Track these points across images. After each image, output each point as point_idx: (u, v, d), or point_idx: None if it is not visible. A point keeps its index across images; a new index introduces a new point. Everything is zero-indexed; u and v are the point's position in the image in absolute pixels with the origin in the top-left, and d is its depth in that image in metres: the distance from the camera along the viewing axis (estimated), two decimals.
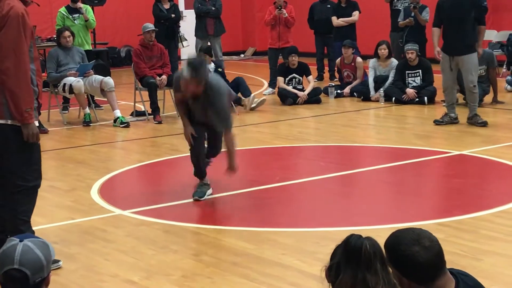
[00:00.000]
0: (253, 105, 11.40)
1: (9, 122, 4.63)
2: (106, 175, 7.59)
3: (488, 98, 11.12)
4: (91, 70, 10.73)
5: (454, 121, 9.63)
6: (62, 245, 5.42)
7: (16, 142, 4.64)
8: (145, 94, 10.87)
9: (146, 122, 10.76)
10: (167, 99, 11.39)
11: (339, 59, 12.93)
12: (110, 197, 6.82)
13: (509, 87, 12.48)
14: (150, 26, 11.13)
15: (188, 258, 5.18)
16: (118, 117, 10.41)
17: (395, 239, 2.75)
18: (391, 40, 13.04)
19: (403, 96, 11.45)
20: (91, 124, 10.53)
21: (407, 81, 11.61)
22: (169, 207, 6.46)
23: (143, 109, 11.08)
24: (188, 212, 6.38)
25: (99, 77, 10.64)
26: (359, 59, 12.59)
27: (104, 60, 12.93)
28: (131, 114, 11.07)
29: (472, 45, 9.26)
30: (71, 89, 10.44)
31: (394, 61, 12.09)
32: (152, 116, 10.76)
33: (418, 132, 9.45)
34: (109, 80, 10.64)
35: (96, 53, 12.74)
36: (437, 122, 9.66)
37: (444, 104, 9.90)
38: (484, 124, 9.37)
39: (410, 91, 11.39)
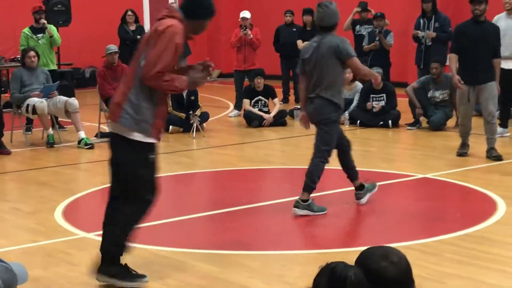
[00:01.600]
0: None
1: None
2: (70, 197, 7.52)
3: (451, 122, 11.24)
4: (55, 91, 10.65)
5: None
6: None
7: None
8: None
9: None
10: None
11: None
12: (74, 219, 6.75)
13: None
14: (113, 47, 11.09)
15: (154, 281, 5.13)
16: (82, 139, 10.33)
17: (364, 254, 2.80)
18: None
19: (367, 107, 11.52)
20: (54, 146, 10.43)
21: (371, 105, 11.70)
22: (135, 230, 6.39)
23: (107, 131, 11.00)
24: (153, 234, 6.32)
25: (64, 98, 10.56)
26: None
27: (68, 80, 12.86)
28: (96, 136, 11.00)
29: (493, 74, 8.82)
30: (34, 110, 10.35)
31: (359, 85, 12.19)
32: None
33: (383, 155, 9.51)
34: (73, 101, 10.57)
35: (60, 74, 12.67)
36: (463, 154, 9.08)
37: (461, 136, 9.21)
38: (498, 158, 8.88)
39: (376, 107, 11.50)
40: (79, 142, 10.35)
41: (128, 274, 5.06)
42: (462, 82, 8.74)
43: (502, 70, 9.98)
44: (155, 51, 4.73)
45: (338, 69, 6.74)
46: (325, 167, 6.80)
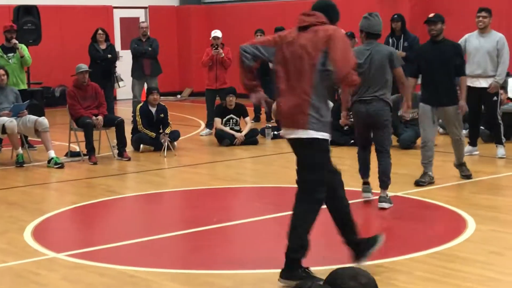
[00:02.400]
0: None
1: None
2: (39, 217, 7.45)
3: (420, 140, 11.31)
4: (25, 110, 10.58)
5: (432, 180, 8.72)
6: None
7: None
8: (80, 134, 10.76)
9: (81, 162, 10.63)
10: (102, 140, 11.29)
11: (274, 105, 12.97)
12: (44, 239, 6.68)
13: (441, 130, 12.74)
14: (84, 66, 11.05)
15: None
16: (52, 158, 10.26)
17: (334, 275, 2.82)
18: None
19: (341, 123, 11.54)
20: (24, 165, 10.35)
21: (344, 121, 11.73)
22: (105, 250, 6.36)
23: (78, 150, 10.94)
24: (124, 254, 6.29)
25: (33, 117, 10.49)
26: None
27: (38, 100, 12.77)
28: (66, 155, 10.93)
29: (455, 97, 8.55)
30: (3, 129, 10.26)
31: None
32: (87, 156, 10.63)
33: (354, 173, 9.53)
34: (43, 120, 10.50)
35: (30, 93, 12.57)
36: (420, 183, 8.60)
37: (422, 162, 8.79)
38: (468, 177, 8.85)
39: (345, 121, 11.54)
40: (49, 161, 10.28)
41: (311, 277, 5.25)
42: (410, 110, 8.31)
43: (473, 88, 10.10)
44: (339, 53, 5.14)
45: (390, 73, 7.60)
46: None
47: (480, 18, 10.23)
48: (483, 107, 10.56)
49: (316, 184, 5.43)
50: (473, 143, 10.58)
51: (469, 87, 10.03)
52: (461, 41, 10.17)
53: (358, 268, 2.85)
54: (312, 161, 5.45)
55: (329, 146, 5.53)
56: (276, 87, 5.57)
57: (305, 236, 5.36)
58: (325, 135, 5.42)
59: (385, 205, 7.60)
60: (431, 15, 8.66)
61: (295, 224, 5.39)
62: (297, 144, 5.47)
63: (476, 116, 10.50)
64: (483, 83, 10.18)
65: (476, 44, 10.17)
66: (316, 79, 5.26)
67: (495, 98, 10.21)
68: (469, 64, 10.09)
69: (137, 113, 11.53)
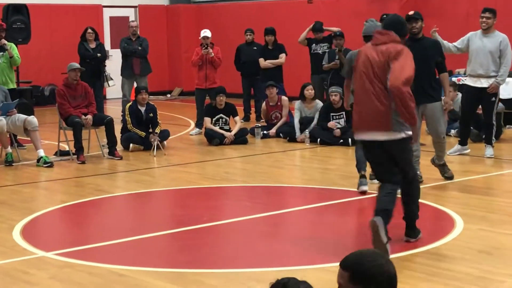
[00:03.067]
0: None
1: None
2: (28, 216, 7.44)
3: None
4: (14, 109, 10.55)
5: (420, 180, 8.38)
6: None
7: None
8: (69, 133, 10.74)
9: (70, 162, 10.62)
10: (92, 139, 11.28)
11: (264, 104, 13.03)
12: (33, 238, 6.68)
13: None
14: (76, 65, 11.04)
15: None
16: (41, 157, 10.24)
17: (357, 255, 2.80)
18: (312, 82, 13.26)
19: (330, 126, 11.58)
20: (13, 164, 10.32)
21: (334, 125, 11.79)
22: (94, 249, 6.36)
23: (67, 149, 10.93)
24: (113, 253, 6.29)
25: (23, 116, 10.47)
26: (284, 98, 12.82)
27: (27, 98, 12.75)
28: (55, 154, 10.91)
29: (438, 93, 8.50)
30: None
31: (319, 103, 12.29)
32: (76, 156, 10.62)
33: (343, 173, 9.57)
34: (32, 119, 10.48)
35: (19, 92, 12.54)
36: None
37: None
38: (450, 178, 8.84)
39: (336, 131, 11.58)
40: (38, 160, 10.26)
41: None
42: None
43: (474, 88, 10.11)
44: (397, 66, 5.90)
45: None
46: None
47: (484, 19, 10.17)
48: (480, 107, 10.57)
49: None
50: (463, 142, 10.57)
51: (469, 87, 10.07)
52: (463, 39, 10.17)
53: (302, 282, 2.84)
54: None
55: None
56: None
57: (416, 208, 6.54)
58: (408, 133, 6.17)
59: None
60: (411, 12, 8.66)
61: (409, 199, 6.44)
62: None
63: (470, 116, 10.50)
64: (484, 83, 10.15)
65: (479, 44, 10.14)
66: (389, 88, 5.99)
67: (493, 98, 10.21)
68: (471, 63, 10.12)
69: (127, 112, 11.52)
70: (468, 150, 10.59)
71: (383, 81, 5.98)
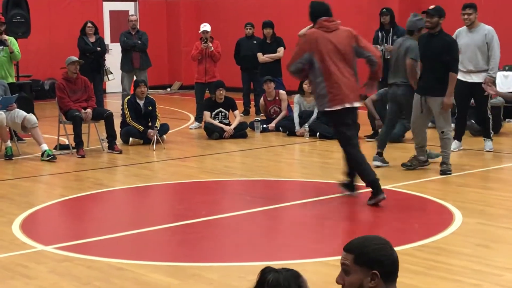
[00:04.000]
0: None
1: None
2: (28, 210, 7.45)
3: (409, 134, 11.35)
4: (14, 104, 10.54)
5: (423, 164, 9.08)
6: None
7: None
8: (69, 127, 10.74)
9: (70, 155, 10.62)
10: (92, 133, 11.28)
11: (261, 99, 13.03)
12: (32, 232, 6.68)
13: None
14: (75, 58, 11.02)
15: None
16: (45, 151, 10.22)
17: (361, 238, 2.86)
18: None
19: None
20: (13, 158, 10.33)
21: None
22: (93, 243, 6.37)
23: (67, 143, 10.93)
24: (111, 247, 6.30)
25: (22, 114, 10.42)
26: (282, 92, 12.82)
27: (27, 92, 12.74)
28: (55, 148, 10.91)
29: (444, 88, 8.59)
30: None
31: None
32: (76, 149, 10.62)
33: (342, 166, 9.57)
34: (31, 117, 10.44)
35: (19, 86, 12.54)
36: (405, 167, 9.05)
37: (415, 147, 9.14)
38: (444, 172, 8.81)
39: None
40: (42, 154, 10.23)
41: None
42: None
43: (464, 83, 10.10)
44: (366, 42, 7.67)
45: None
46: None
47: (466, 16, 10.20)
48: (473, 102, 10.58)
49: None
50: (458, 138, 10.50)
51: (460, 81, 10.04)
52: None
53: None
54: None
55: None
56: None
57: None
58: None
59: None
60: (431, 7, 8.83)
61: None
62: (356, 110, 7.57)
63: (464, 111, 10.50)
64: (474, 78, 10.16)
65: (466, 40, 10.17)
66: (354, 64, 7.50)
67: (486, 92, 10.20)
68: (461, 59, 10.12)
69: (125, 106, 11.51)
70: (461, 148, 10.54)
71: (352, 61, 7.47)
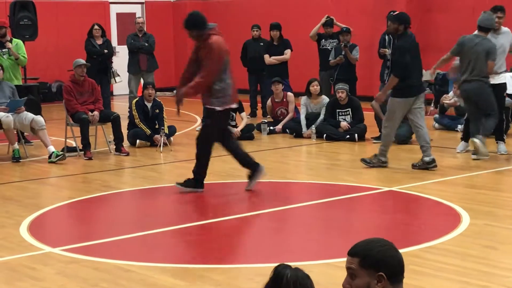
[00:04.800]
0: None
1: None
2: (35, 212, 7.46)
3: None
4: (22, 107, 10.56)
5: (382, 164, 9.36)
6: None
7: None
8: (77, 129, 10.76)
9: (77, 158, 10.64)
10: (99, 135, 11.30)
11: (269, 101, 13.03)
12: (39, 234, 6.70)
13: (436, 125, 12.77)
14: (82, 61, 11.04)
15: None
16: (53, 152, 10.23)
17: (365, 242, 2.86)
18: (320, 79, 13.25)
19: (338, 129, 11.63)
20: (20, 160, 10.35)
21: (338, 119, 11.81)
22: (100, 244, 6.38)
23: (74, 145, 10.95)
24: (118, 249, 6.31)
25: (30, 116, 10.45)
26: (290, 94, 12.81)
27: (34, 95, 12.77)
28: (62, 150, 10.92)
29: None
30: (0, 124, 10.26)
31: (325, 99, 12.28)
32: (83, 152, 10.64)
33: (349, 168, 9.57)
34: (39, 118, 10.47)
35: (26, 88, 12.57)
36: (364, 163, 9.40)
37: (375, 142, 9.66)
38: (419, 166, 9.16)
39: (343, 124, 11.61)
40: (50, 156, 10.26)
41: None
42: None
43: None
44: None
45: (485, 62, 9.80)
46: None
47: (496, 19, 10.11)
48: None
49: None
50: (466, 139, 10.47)
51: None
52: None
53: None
54: None
55: None
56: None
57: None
58: None
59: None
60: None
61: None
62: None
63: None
64: (496, 79, 10.12)
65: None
66: None
67: (504, 94, 10.17)
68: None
69: (133, 107, 11.52)
70: (468, 148, 10.51)
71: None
